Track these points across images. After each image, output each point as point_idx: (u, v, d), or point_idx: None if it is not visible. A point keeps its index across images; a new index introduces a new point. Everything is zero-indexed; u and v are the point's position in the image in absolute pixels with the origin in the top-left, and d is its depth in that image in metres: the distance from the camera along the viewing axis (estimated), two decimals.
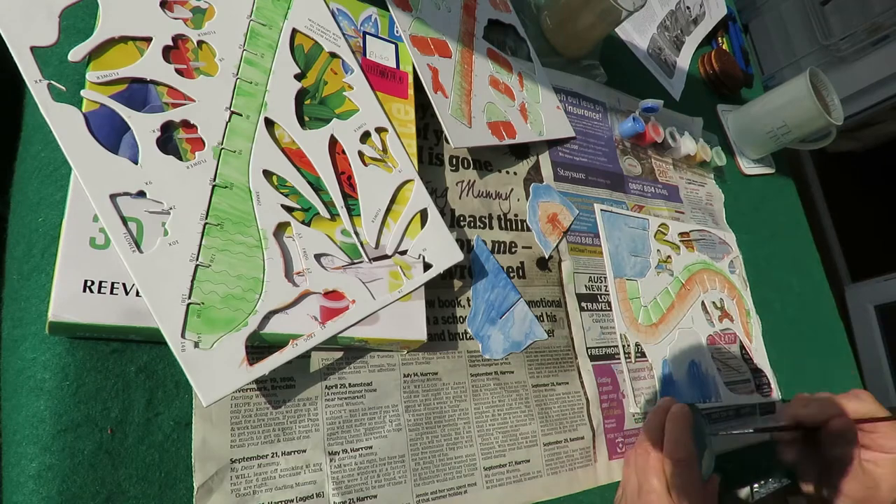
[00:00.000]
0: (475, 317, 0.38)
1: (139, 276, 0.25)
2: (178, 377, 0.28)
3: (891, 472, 0.42)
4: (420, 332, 0.33)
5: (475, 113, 0.42)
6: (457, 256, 0.35)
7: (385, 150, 0.36)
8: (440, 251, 0.35)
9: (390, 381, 0.34)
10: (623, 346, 0.46)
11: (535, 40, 0.52)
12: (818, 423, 0.44)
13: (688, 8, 0.73)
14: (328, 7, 0.37)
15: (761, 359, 0.57)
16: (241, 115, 0.30)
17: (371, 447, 0.32)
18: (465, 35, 0.45)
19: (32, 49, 0.26)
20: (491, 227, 0.42)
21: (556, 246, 0.45)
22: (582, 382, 0.42)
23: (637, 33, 0.65)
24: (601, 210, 0.49)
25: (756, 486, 0.53)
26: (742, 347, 0.56)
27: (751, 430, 0.45)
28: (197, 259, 0.27)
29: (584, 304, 0.45)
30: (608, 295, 0.47)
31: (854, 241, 1.90)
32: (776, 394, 0.57)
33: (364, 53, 0.37)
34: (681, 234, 0.56)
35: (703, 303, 0.54)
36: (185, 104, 0.29)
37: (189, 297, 0.26)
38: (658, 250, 0.52)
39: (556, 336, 0.42)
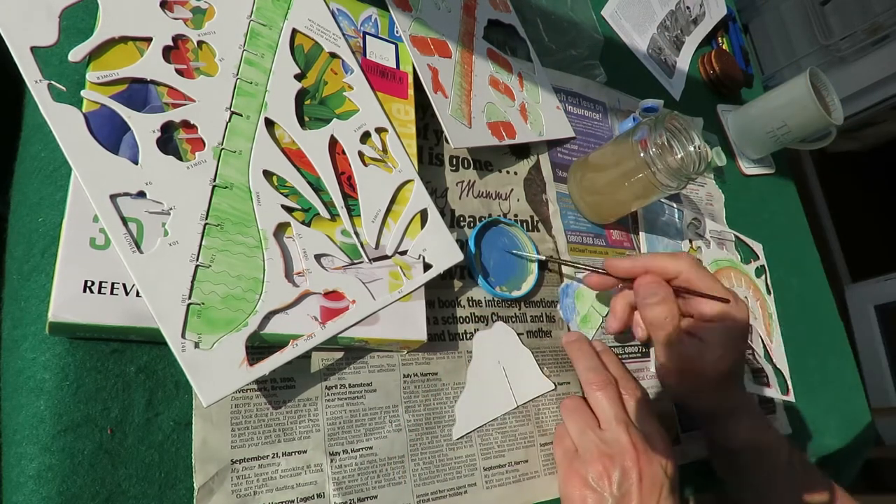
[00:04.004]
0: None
1: (139, 277, 0.25)
2: (178, 377, 0.28)
3: (715, 340, 0.38)
4: (420, 333, 0.33)
5: (475, 113, 0.42)
6: (457, 256, 0.35)
7: (385, 150, 0.36)
8: (440, 251, 0.35)
9: (390, 381, 0.34)
10: None
11: (535, 41, 0.52)
12: (629, 274, 0.40)
13: (688, 8, 0.73)
14: (328, 7, 0.37)
15: (780, 359, 0.58)
16: (241, 116, 0.30)
17: (371, 448, 0.32)
18: (465, 35, 0.45)
19: (32, 49, 0.26)
20: None
21: (558, 247, 0.45)
22: None
23: (637, 33, 0.65)
24: None
25: None
26: (764, 346, 0.57)
27: (542, 258, 0.42)
28: (197, 259, 0.27)
29: None
30: None
31: (854, 241, 1.90)
32: (791, 395, 0.58)
33: (364, 53, 0.37)
34: (711, 230, 0.58)
35: None
36: (185, 104, 0.29)
37: (189, 298, 0.26)
38: (689, 240, 0.55)
39: (556, 336, 0.42)
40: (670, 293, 0.39)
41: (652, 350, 0.46)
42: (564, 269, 0.44)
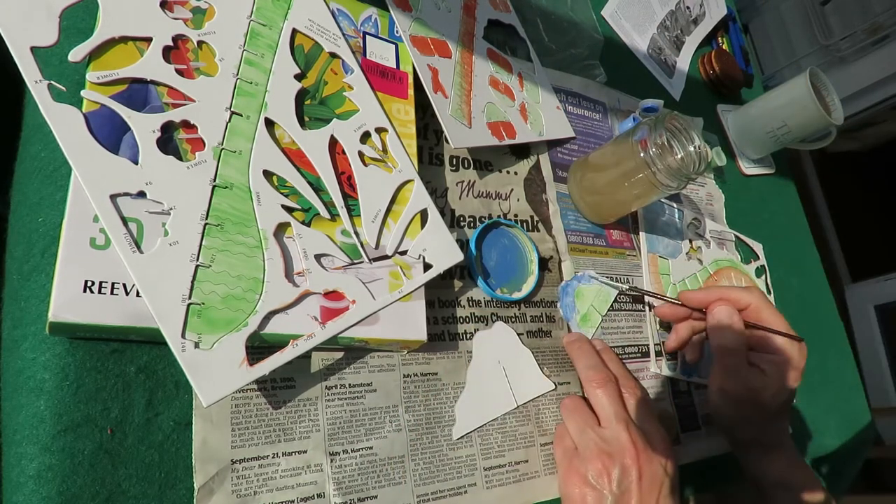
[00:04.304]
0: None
1: (139, 277, 0.25)
2: (178, 377, 0.28)
3: (775, 374, 0.39)
4: (420, 333, 0.33)
5: (475, 113, 0.42)
6: (457, 256, 0.35)
7: (385, 150, 0.36)
8: (440, 251, 0.35)
9: (390, 381, 0.34)
10: (650, 313, 0.48)
11: (535, 41, 0.52)
12: (702, 304, 0.42)
13: (688, 8, 0.73)
14: (328, 7, 0.37)
15: None
16: (241, 116, 0.30)
17: (371, 448, 0.32)
18: (465, 35, 0.45)
19: (32, 49, 0.26)
20: None
21: (558, 247, 0.45)
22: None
23: (637, 33, 0.65)
24: None
25: None
26: None
27: (625, 287, 0.45)
28: (197, 259, 0.27)
29: None
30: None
31: (854, 241, 1.90)
32: None
33: (364, 53, 0.37)
34: (711, 230, 0.58)
35: None
36: (185, 104, 0.29)
37: (189, 298, 0.26)
38: (689, 240, 0.55)
39: (556, 336, 0.42)
40: (742, 322, 0.40)
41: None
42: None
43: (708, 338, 0.42)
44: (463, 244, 0.40)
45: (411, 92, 0.39)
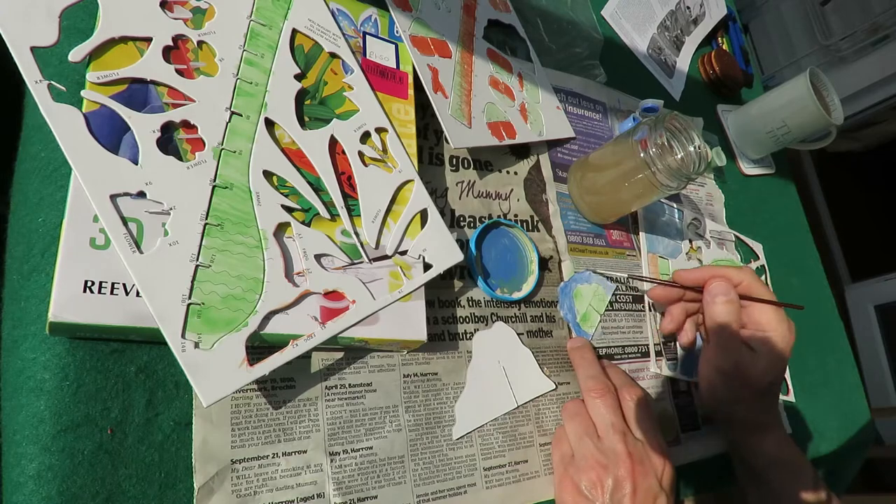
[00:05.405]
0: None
1: (139, 277, 0.25)
2: (178, 377, 0.28)
3: (765, 350, 0.40)
4: (420, 333, 0.33)
5: (475, 113, 0.42)
6: (457, 256, 0.35)
7: (385, 150, 0.36)
8: (440, 251, 0.35)
9: (390, 381, 0.34)
10: (651, 313, 0.48)
11: (535, 41, 0.52)
12: (696, 283, 0.43)
13: (688, 8, 0.73)
14: (328, 7, 0.37)
15: None
16: (241, 116, 0.30)
17: (371, 448, 0.32)
18: (464, 35, 0.45)
19: (32, 49, 0.26)
20: None
21: (558, 247, 0.45)
22: None
23: (637, 33, 0.65)
24: None
25: None
26: None
27: (625, 276, 0.45)
28: (197, 259, 0.27)
29: None
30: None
31: (854, 241, 1.90)
32: (791, 395, 0.58)
33: (364, 53, 0.37)
34: (711, 230, 0.58)
35: None
36: (185, 104, 0.29)
37: (189, 298, 0.26)
38: (689, 240, 0.55)
39: (556, 336, 0.42)
40: (737, 297, 0.41)
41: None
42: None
43: (703, 314, 0.42)
44: (463, 244, 0.40)
45: (411, 92, 0.39)
